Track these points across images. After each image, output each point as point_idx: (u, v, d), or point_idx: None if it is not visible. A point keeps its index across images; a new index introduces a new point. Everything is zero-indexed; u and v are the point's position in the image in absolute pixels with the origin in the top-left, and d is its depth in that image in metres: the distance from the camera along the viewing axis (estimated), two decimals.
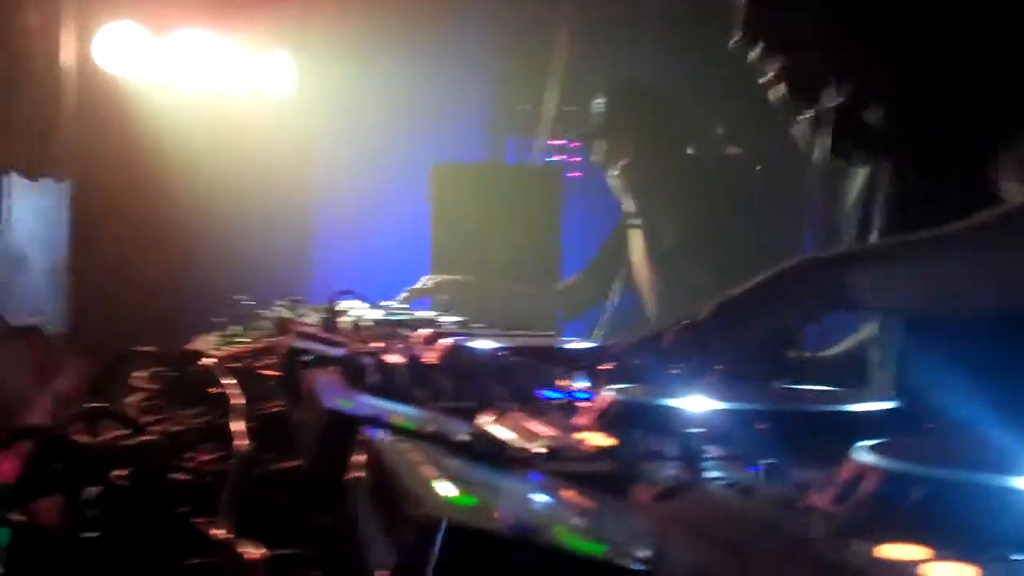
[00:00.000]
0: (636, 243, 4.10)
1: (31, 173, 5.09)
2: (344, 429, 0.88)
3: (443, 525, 0.48)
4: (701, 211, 3.91)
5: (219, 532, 0.88)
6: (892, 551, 0.57)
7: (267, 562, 0.65)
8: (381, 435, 0.73)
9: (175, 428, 1.54)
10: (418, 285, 4.29)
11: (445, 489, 0.55)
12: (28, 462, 0.72)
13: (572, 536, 0.51)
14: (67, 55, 5.34)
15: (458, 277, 4.33)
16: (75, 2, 5.37)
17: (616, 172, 4.06)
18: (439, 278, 4.36)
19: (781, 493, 0.72)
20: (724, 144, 4.31)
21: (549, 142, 5.87)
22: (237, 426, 1.29)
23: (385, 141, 5.70)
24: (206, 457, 1.36)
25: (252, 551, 0.66)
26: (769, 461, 0.83)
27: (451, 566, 0.49)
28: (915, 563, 0.55)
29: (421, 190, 4.90)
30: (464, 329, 2.37)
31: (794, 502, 0.69)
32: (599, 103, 4.14)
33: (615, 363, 1.58)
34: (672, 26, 5.10)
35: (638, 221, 4.06)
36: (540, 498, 0.64)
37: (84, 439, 0.86)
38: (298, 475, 1.12)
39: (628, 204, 4.09)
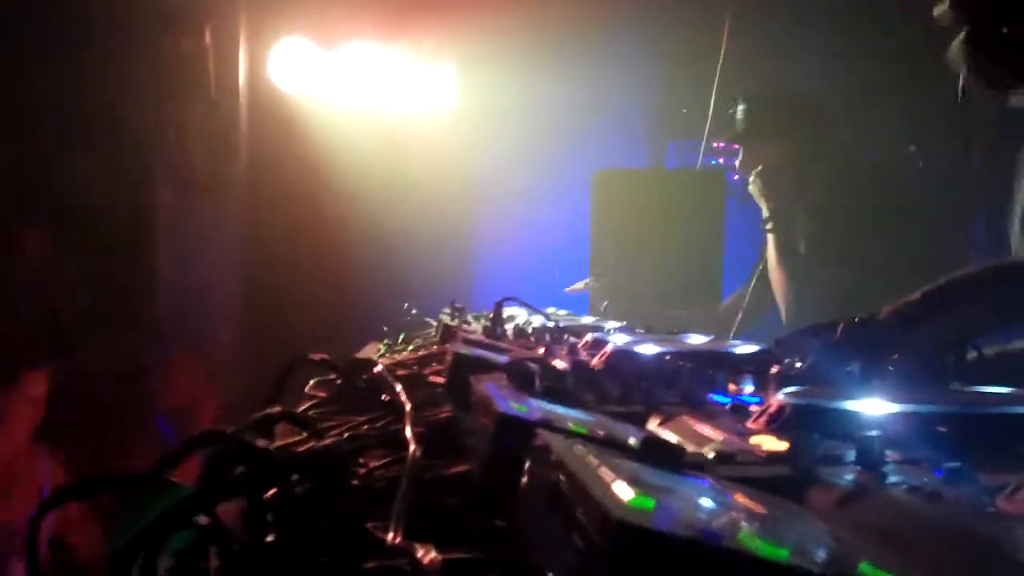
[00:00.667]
0: (770, 247, 4.10)
1: (209, 192, 5.27)
2: (518, 433, 0.88)
3: (623, 528, 0.48)
4: (834, 215, 3.86)
5: (395, 537, 0.89)
6: None
7: (443, 567, 0.65)
8: (555, 439, 0.73)
9: (348, 434, 1.57)
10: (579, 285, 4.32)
11: (624, 492, 0.54)
12: (208, 467, 0.74)
13: (754, 539, 0.50)
14: (242, 73, 5.50)
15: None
16: (249, 20, 5.53)
17: (753, 177, 4.08)
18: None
19: (968, 498, 0.70)
20: (893, 145, 4.22)
21: (712, 144, 5.80)
22: (409, 432, 1.31)
23: (546, 150, 5.73)
24: (378, 463, 1.39)
25: (429, 555, 0.67)
26: (952, 465, 0.80)
27: (631, 569, 0.48)
28: None
29: (582, 197, 4.90)
30: (628, 334, 2.36)
31: (983, 508, 0.66)
32: (738, 109, 4.13)
33: (785, 358, 1.55)
34: (835, 28, 5.00)
35: (770, 226, 4.07)
36: (719, 501, 0.63)
37: (262, 443, 0.88)
38: (468, 480, 1.13)
39: (764, 208, 4.10)
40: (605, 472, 0.59)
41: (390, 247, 5.50)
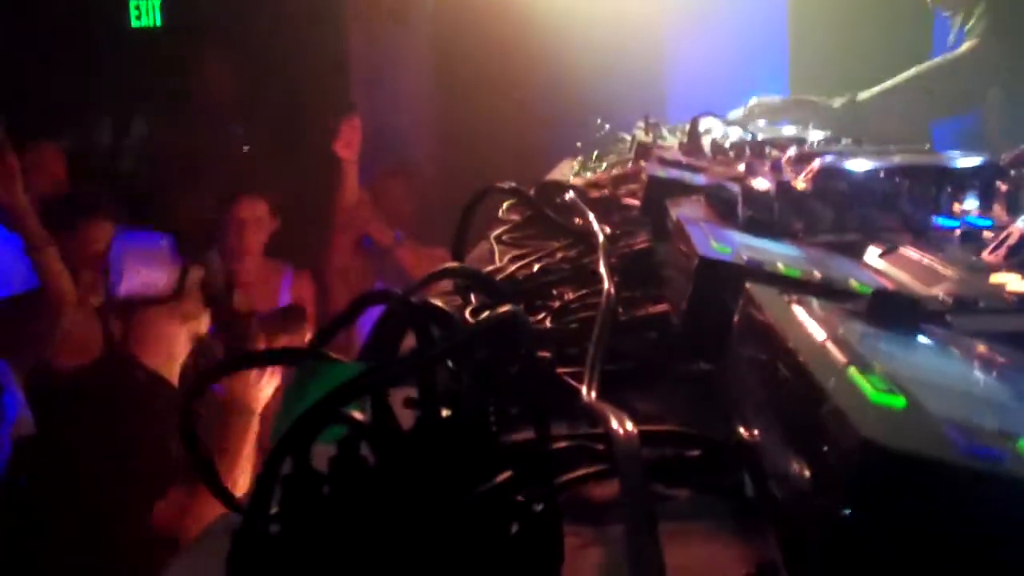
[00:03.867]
0: None
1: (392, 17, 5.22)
2: (722, 280, 0.79)
3: (872, 451, 0.38)
4: None
5: (588, 392, 0.82)
6: None
7: (639, 444, 0.57)
8: (766, 296, 0.63)
9: (540, 266, 1.50)
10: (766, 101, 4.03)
11: (862, 383, 0.44)
12: (375, 335, 0.67)
13: None
14: None
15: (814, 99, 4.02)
16: None
17: None
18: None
19: None
20: None
21: None
22: (603, 268, 1.23)
23: None
24: (572, 296, 1.31)
25: (624, 427, 0.58)
26: None
27: (880, 501, 0.38)
28: None
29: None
30: (835, 147, 2.19)
31: None
32: None
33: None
34: None
35: None
36: (984, 384, 0.52)
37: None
38: (668, 322, 1.04)
39: None
40: (834, 349, 0.49)
41: (577, 60, 5.33)
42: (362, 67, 5.56)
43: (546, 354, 0.98)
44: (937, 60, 3.81)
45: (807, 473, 0.44)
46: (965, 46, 3.70)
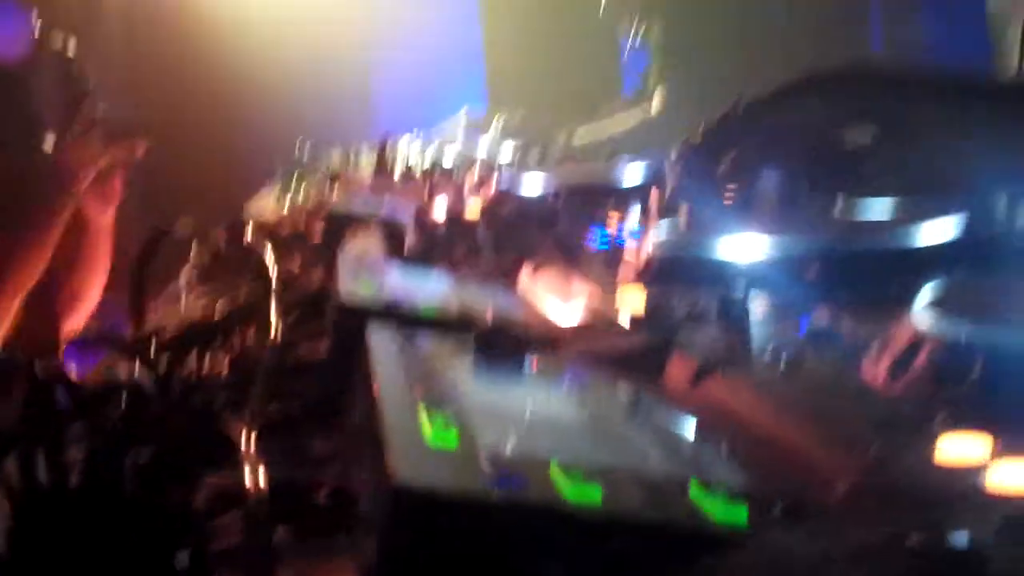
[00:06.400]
0: None
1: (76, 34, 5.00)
2: (353, 325, 0.81)
3: (397, 497, 0.40)
4: None
5: (247, 441, 0.82)
6: (954, 443, 0.48)
7: (268, 495, 0.58)
8: (379, 340, 0.66)
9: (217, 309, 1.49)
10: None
11: (425, 424, 0.46)
12: None
13: (561, 477, 0.42)
14: None
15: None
16: None
17: None
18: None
19: (829, 366, 0.64)
20: None
21: None
22: (274, 314, 1.23)
23: None
24: (247, 339, 1.31)
25: (256, 480, 0.60)
26: (820, 313, 0.75)
27: (407, 539, 0.41)
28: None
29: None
30: (520, 165, 2.27)
31: (844, 378, 0.60)
32: None
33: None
34: None
35: None
36: (530, 428, 0.54)
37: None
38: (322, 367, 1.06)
39: None
40: (411, 394, 0.52)
41: (283, 82, 5.26)
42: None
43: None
44: None
45: (370, 516, 0.47)
46: None
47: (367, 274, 0.99)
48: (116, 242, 1.94)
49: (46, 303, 1.77)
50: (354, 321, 0.82)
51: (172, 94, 5.22)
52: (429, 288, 0.99)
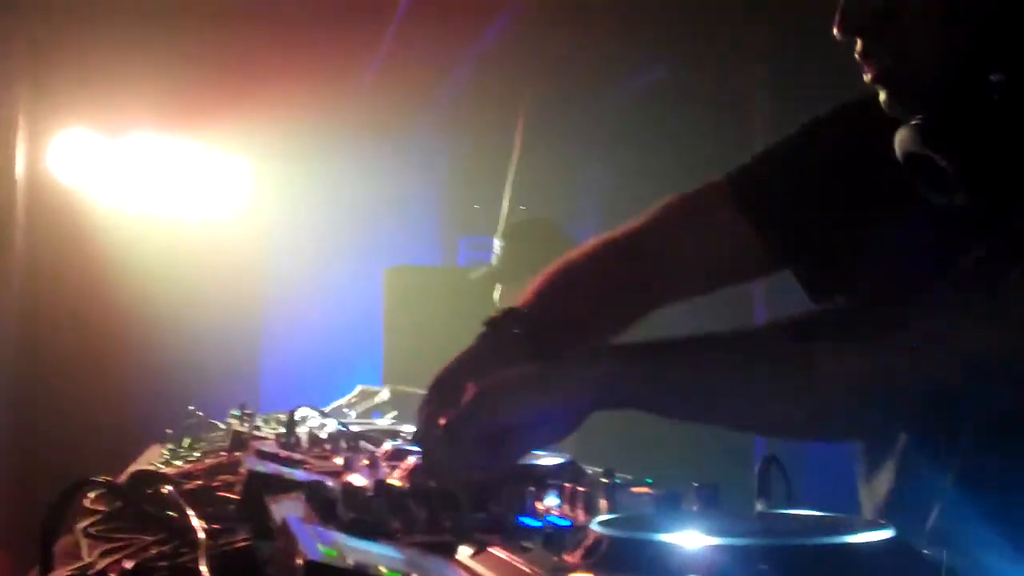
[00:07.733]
0: None
1: None
2: None
3: None
4: None
5: None
6: None
7: None
8: None
9: (134, 562, 1.46)
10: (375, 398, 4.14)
11: None
12: None
13: None
14: (19, 164, 5.27)
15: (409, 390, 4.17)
16: (28, 108, 5.31)
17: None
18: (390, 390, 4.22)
19: None
20: None
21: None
22: (203, 568, 1.22)
23: (338, 246, 5.67)
24: None
25: None
26: None
27: None
28: None
29: (375, 294, 4.86)
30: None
31: None
32: (497, 246, 4.07)
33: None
34: (624, 134, 5.14)
35: None
36: None
37: None
38: None
39: None
40: None
41: (178, 346, 5.29)
42: None
43: None
44: None
45: None
46: None
47: (320, 539, 1.00)
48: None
49: None
50: None
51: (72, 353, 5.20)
52: (385, 555, 1.00)
